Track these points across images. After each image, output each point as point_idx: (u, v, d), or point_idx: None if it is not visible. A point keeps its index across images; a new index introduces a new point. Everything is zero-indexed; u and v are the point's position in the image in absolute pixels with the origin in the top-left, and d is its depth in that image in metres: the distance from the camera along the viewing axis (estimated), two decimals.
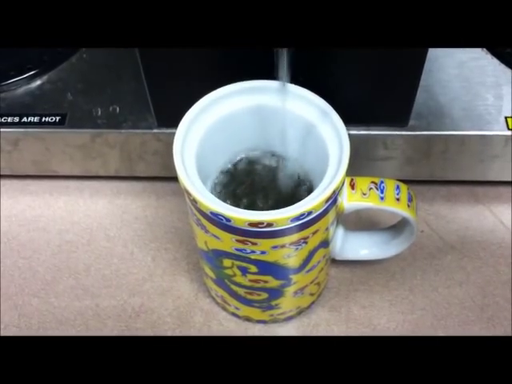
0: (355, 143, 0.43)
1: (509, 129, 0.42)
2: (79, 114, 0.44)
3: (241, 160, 0.38)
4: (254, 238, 0.33)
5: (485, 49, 0.45)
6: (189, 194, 0.32)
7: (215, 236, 0.34)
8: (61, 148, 0.44)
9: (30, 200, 0.48)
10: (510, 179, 0.45)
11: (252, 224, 0.31)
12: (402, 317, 0.42)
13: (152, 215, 0.47)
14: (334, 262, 0.43)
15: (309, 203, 0.32)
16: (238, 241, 0.33)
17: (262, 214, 0.31)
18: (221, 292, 0.40)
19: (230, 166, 0.38)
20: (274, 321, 0.42)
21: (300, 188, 0.37)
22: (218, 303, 0.42)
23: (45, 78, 0.46)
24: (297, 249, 0.34)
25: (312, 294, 0.41)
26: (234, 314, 0.42)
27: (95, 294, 0.44)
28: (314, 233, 0.34)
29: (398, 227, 0.41)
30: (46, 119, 0.43)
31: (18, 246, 0.46)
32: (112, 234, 0.46)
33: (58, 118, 0.43)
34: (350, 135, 0.42)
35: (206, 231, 0.34)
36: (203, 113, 0.35)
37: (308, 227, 0.33)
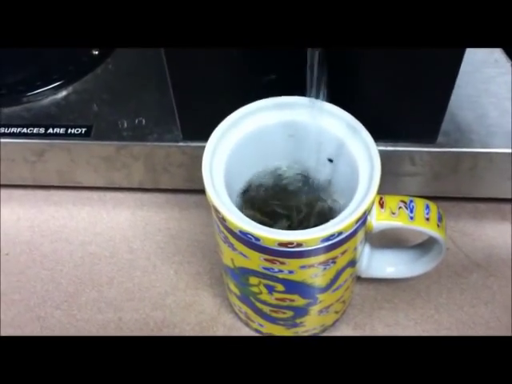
0: (382, 158, 0.42)
1: None
2: (105, 126, 0.44)
3: (269, 175, 0.38)
4: (283, 257, 0.32)
5: None
6: (217, 212, 0.32)
7: (243, 254, 0.34)
8: (86, 159, 0.44)
9: (53, 210, 0.48)
10: None
11: (282, 244, 0.31)
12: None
13: (175, 227, 0.47)
14: (359, 279, 0.42)
15: (339, 224, 0.31)
16: (266, 260, 0.33)
17: (291, 234, 0.31)
18: (245, 308, 0.40)
19: (257, 180, 0.37)
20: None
21: (330, 205, 0.37)
22: (241, 319, 0.42)
23: (70, 88, 0.46)
24: (325, 268, 0.34)
25: (337, 312, 0.40)
26: (257, 331, 0.42)
27: (118, 307, 0.43)
28: (343, 253, 0.34)
29: (425, 246, 0.40)
30: (72, 131, 0.43)
31: (40, 257, 0.46)
32: (135, 247, 0.46)
33: (83, 130, 0.43)
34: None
35: (234, 249, 0.34)
36: (232, 128, 0.35)
37: (337, 247, 0.33)
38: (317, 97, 0.35)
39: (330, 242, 0.32)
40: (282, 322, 0.39)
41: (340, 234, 0.31)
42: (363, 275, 0.41)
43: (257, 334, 0.42)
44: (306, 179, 0.37)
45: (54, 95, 0.45)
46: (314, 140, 0.36)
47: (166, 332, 0.42)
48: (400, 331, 0.42)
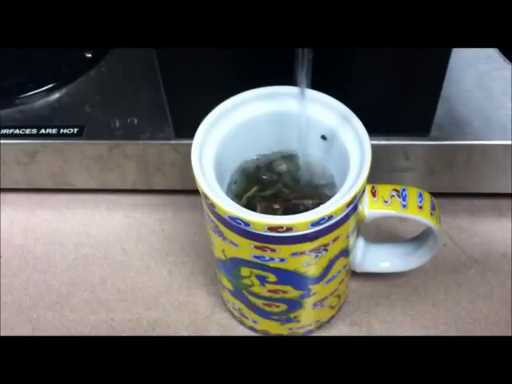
0: (375, 153, 0.42)
1: None
2: (97, 126, 0.43)
3: (260, 163, 0.38)
4: (273, 243, 0.32)
5: (506, 59, 0.44)
6: (207, 198, 0.32)
7: (233, 243, 0.33)
8: (78, 160, 0.44)
9: (46, 214, 0.48)
10: None
11: (271, 228, 0.31)
12: (424, 332, 0.41)
13: (169, 229, 0.46)
14: (355, 275, 0.42)
15: (329, 207, 0.31)
16: (256, 247, 0.32)
17: (281, 218, 0.31)
18: (238, 304, 0.39)
19: (248, 168, 0.37)
20: (293, 335, 0.40)
21: (322, 192, 0.36)
22: (235, 317, 0.41)
23: (63, 90, 0.46)
24: (317, 256, 0.33)
25: (332, 307, 0.40)
26: (251, 328, 0.41)
27: (110, 307, 0.43)
28: (335, 240, 0.33)
29: (420, 239, 0.40)
30: (64, 131, 0.43)
31: (33, 260, 0.45)
32: (128, 248, 0.46)
33: (75, 130, 0.43)
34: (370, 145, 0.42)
35: (224, 238, 0.33)
36: (223, 118, 0.35)
37: (328, 233, 0.32)
38: (306, 86, 0.34)
39: (320, 227, 0.31)
40: (275, 317, 0.38)
41: (330, 218, 0.31)
42: (358, 270, 0.40)
43: (251, 332, 0.41)
44: (296, 168, 0.37)
45: (47, 97, 0.45)
46: (305, 129, 0.35)
47: (159, 332, 0.42)
48: (397, 327, 0.41)
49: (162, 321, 0.42)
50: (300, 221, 0.31)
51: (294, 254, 0.33)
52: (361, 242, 0.39)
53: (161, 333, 0.42)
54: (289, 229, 0.31)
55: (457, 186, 0.44)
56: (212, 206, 0.32)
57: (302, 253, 0.33)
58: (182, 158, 0.43)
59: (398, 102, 0.40)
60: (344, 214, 0.32)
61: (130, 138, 0.43)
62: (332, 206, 0.31)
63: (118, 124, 0.43)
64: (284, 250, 0.32)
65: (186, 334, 0.42)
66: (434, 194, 0.40)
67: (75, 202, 0.48)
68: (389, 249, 0.41)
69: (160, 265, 0.45)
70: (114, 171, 0.45)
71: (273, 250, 0.32)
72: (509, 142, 0.41)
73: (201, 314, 0.42)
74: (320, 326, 0.41)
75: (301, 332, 0.40)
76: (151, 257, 0.45)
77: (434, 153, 0.42)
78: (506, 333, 0.40)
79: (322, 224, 0.31)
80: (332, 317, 0.41)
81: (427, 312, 0.42)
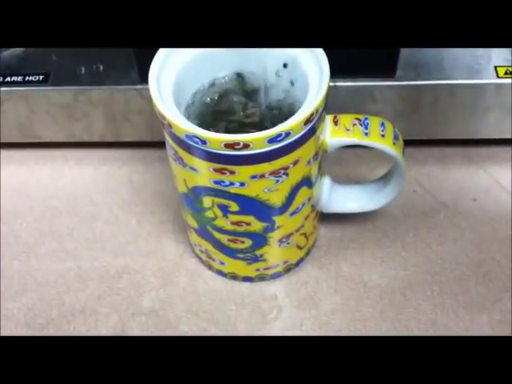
0: (342, 96, 0.42)
1: (498, 77, 0.41)
2: (63, 73, 0.43)
3: (222, 90, 0.37)
4: (232, 164, 0.31)
5: None
6: (164, 119, 0.31)
7: (193, 168, 0.33)
8: (44, 108, 0.44)
9: (14, 168, 0.47)
10: (502, 137, 0.44)
11: (228, 145, 0.30)
12: (393, 273, 0.41)
13: (138, 181, 0.46)
14: (324, 219, 0.42)
15: (286, 124, 0.31)
16: (215, 170, 0.32)
17: (237, 135, 0.30)
18: (205, 245, 0.39)
19: (208, 96, 0.37)
20: (261, 277, 0.40)
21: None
22: (203, 262, 0.41)
23: None
24: (277, 181, 0.33)
25: (300, 248, 0.39)
26: (219, 272, 0.40)
27: (77, 256, 0.42)
28: (295, 163, 0.33)
29: (386, 177, 0.39)
30: (30, 78, 0.43)
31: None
32: (97, 200, 0.45)
33: (41, 77, 0.43)
34: (336, 87, 0.42)
35: (184, 165, 0.33)
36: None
37: (287, 154, 0.32)
38: None
39: (277, 145, 0.31)
40: (242, 256, 0.38)
41: (287, 134, 0.31)
42: (325, 210, 0.40)
43: (219, 277, 0.41)
44: (260, 96, 0.37)
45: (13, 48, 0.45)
46: (266, 58, 0.35)
47: (126, 278, 0.41)
48: (366, 269, 0.41)
49: (130, 268, 0.42)
50: (256, 136, 0.30)
51: (253, 177, 0.32)
52: (327, 181, 0.39)
53: (128, 279, 0.41)
54: (246, 145, 0.30)
55: (425, 132, 0.44)
56: (169, 126, 0.31)
57: (262, 176, 0.32)
58: (148, 105, 0.43)
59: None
60: (302, 133, 0.31)
61: (96, 84, 0.42)
62: (289, 123, 0.31)
63: (83, 71, 0.43)
64: (243, 172, 0.32)
65: (153, 279, 0.41)
66: (404, 142, 0.40)
67: (44, 157, 0.48)
68: (355, 188, 0.40)
69: (129, 215, 0.44)
70: (81, 121, 0.45)
71: (232, 173, 0.32)
72: (475, 81, 0.41)
73: (169, 260, 0.42)
74: (288, 269, 0.40)
75: (269, 274, 0.40)
76: (120, 207, 0.45)
77: (400, 93, 0.42)
78: (476, 273, 0.40)
79: (279, 141, 0.31)
80: (301, 259, 0.41)
81: (396, 254, 0.41)
